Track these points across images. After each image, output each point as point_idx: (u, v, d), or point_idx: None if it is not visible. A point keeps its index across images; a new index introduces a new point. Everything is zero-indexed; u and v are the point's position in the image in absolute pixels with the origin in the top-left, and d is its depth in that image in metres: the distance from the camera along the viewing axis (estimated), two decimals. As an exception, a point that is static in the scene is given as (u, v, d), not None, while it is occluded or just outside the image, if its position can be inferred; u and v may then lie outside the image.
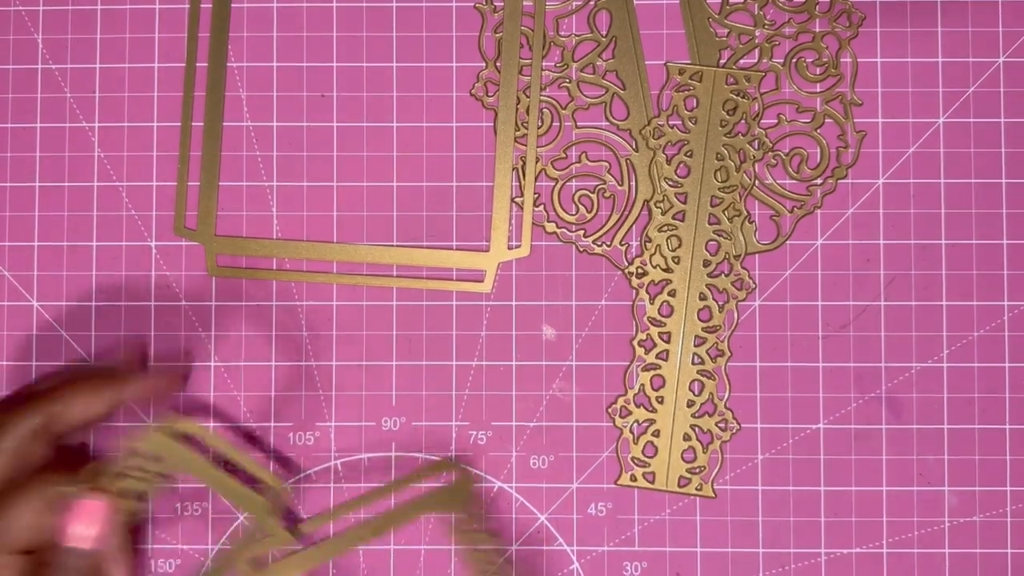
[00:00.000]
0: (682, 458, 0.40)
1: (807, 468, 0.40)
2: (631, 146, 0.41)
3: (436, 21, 0.41)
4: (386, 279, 0.40)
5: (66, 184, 0.41)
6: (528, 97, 0.41)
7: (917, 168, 0.40)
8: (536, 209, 0.41)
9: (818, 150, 0.40)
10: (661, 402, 0.40)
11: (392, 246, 0.41)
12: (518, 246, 0.40)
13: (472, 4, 0.41)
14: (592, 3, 0.41)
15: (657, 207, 0.40)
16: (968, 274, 0.40)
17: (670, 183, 0.40)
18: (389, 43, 0.41)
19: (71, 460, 0.36)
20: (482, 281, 0.40)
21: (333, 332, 0.41)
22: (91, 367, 0.38)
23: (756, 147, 0.40)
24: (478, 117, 0.41)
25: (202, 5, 0.41)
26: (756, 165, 0.40)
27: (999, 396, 0.40)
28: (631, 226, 0.41)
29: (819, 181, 0.40)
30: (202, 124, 0.41)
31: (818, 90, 0.40)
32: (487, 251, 0.40)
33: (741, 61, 0.40)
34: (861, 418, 0.40)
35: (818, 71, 0.40)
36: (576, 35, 0.41)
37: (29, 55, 0.41)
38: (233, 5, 0.41)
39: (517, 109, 0.41)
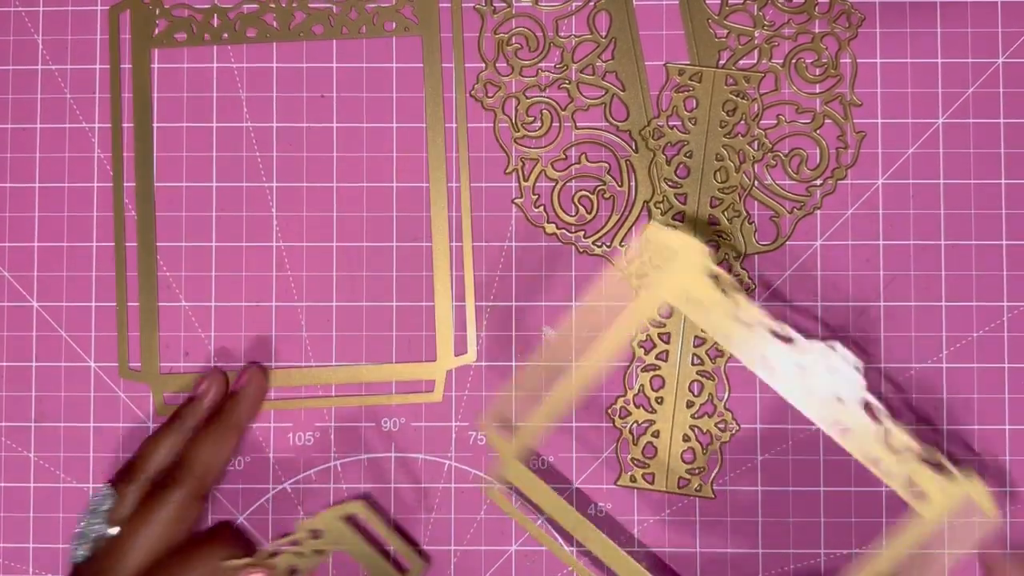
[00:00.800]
0: (681, 459, 0.40)
1: (807, 469, 0.40)
2: (631, 147, 0.41)
3: (436, 22, 0.41)
4: (325, 400, 0.40)
5: (66, 185, 0.41)
6: (528, 98, 0.41)
7: (916, 169, 0.40)
8: (536, 211, 0.41)
9: (818, 151, 0.40)
10: (660, 403, 0.40)
11: (331, 366, 0.40)
12: (465, 353, 0.40)
13: (472, 5, 0.41)
14: (592, 4, 0.41)
15: (657, 208, 0.40)
16: (967, 274, 0.40)
17: (670, 184, 0.40)
18: (388, 44, 0.41)
19: (227, 536, 0.38)
20: (432, 391, 0.40)
21: (333, 332, 0.41)
22: (211, 416, 0.39)
23: (756, 148, 0.40)
24: (477, 118, 0.41)
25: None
26: (756, 166, 0.40)
27: (998, 397, 0.40)
28: (631, 227, 0.41)
29: (819, 182, 0.40)
30: (136, 273, 0.41)
31: (817, 91, 0.41)
32: (434, 359, 0.40)
33: (741, 62, 0.40)
34: (861, 419, 0.40)
35: (817, 72, 0.41)
36: (576, 36, 0.41)
37: (29, 56, 0.41)
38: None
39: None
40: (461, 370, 0.40)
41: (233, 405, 0.39)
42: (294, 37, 0.40)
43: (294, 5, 0.40)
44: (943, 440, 0.40)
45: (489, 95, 0.41)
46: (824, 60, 0.40)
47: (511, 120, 0.41)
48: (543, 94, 0.41)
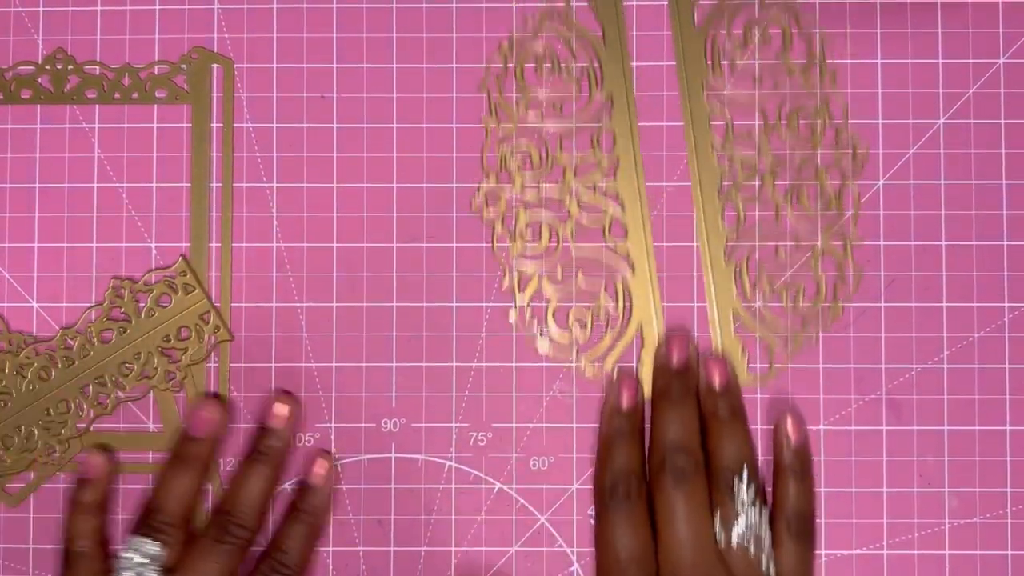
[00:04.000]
0: None
1: (807, 469, 0.40)
2: (629, 267, 0.40)
3: (436, 22, 0.41)
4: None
5: (66, 185, 0.41)
6: (528, 212, 0.40)
7: (917, 169, 0.40)
8: (529, 328, 0.40)
9: (816, 284, 0.40)
10: None
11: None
12: None
13: (471, 5, 0.41)
14: (597, 124, 0.40)
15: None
16: (968, 275, 0.40)
17: None
18: (389, 44, 0.41)
19: None
20: None
21: (333, 332, 0.41)
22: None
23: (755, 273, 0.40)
24: (478, 118, 0.41)
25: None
26: (751, 290, 0.40)
27: (999, 398, 0.40)
28: (623, 349, 0.40)
29: (815, 313, 0.40)
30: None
31: (819, 224, 0.40)
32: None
33: (743, 186, 0.40)
34: (861, 419, 0.40)
35: (819, 205, 0.40)
36: (579, 154, 0.40)
37: (29, 55, 0.41)
38: (233, 6, 0.41)
39: (509, 220, 0.40)
40: (462, 370, 0.40)
41: (272, 442, 0.38)
42: (67, 100, 0.41)
43: (69, 68, 0.41)
44: (944, 441, 0.40)
45: (489, 206, 0.40)
46: (827, 193, 0.40)
47: (510, 234, 0.40)
48: (543, 209, 0.40)
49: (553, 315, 0.40)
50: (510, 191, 0.40)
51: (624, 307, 0.40)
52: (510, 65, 0.40)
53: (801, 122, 0.40)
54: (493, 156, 0.41)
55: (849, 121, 0.40)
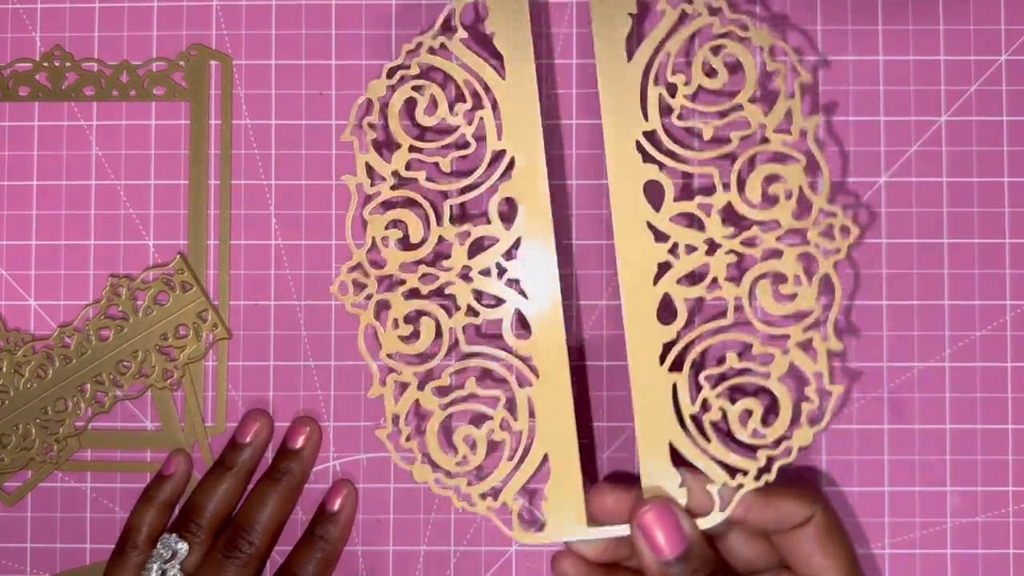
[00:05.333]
0: None
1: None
2: (534, 374, 0.33)
3: (434, 19, 0.41)
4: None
5: (64, 183, 0.41)
6: (406, 302, 0.34)
7: (919, 167, 0.40)
8: (406, 448, 0.35)
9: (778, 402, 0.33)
10: None
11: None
12: None
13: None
14: (496, 186, 0.34)
15: None
16: (970, 273, 0.40)
17: None
18: (388, 41, 0.41)
19: None
20: None
21: (332, 331, 0.40)
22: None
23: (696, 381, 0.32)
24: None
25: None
26: (693, 417, 0.31)
27: (1001, 396, 0.40)
28: (524, 480, 0.34)
29: (773, 444, 0.33)
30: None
31: (785, 326, 0.33)
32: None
33: (680, 281, 0.32)
34: (863, 418, 0.40)
35: (786, 302, 0.32)
36: (472, 227, 0.34)
37: (27, 52, 0.41)
38: (231, 2, 0.41)
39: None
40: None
41: (292, 464, 0.39)
42: (65, 97, 0.40)
43: (67, 65, 0.40)
44: (946, 440, 0.39)
45: (355, 292, 0.35)
46: (799, 285, 0.32)
47: (380, 330, 0.35)
48: (424, 299, 0.33)
49: (436, 434, 0.34)
50: (382, 272, 0.33)
51: (527, 428, 0.33)
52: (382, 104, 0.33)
53: (768, 186, 0.31)
54: (360, 228, 0.36)
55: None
